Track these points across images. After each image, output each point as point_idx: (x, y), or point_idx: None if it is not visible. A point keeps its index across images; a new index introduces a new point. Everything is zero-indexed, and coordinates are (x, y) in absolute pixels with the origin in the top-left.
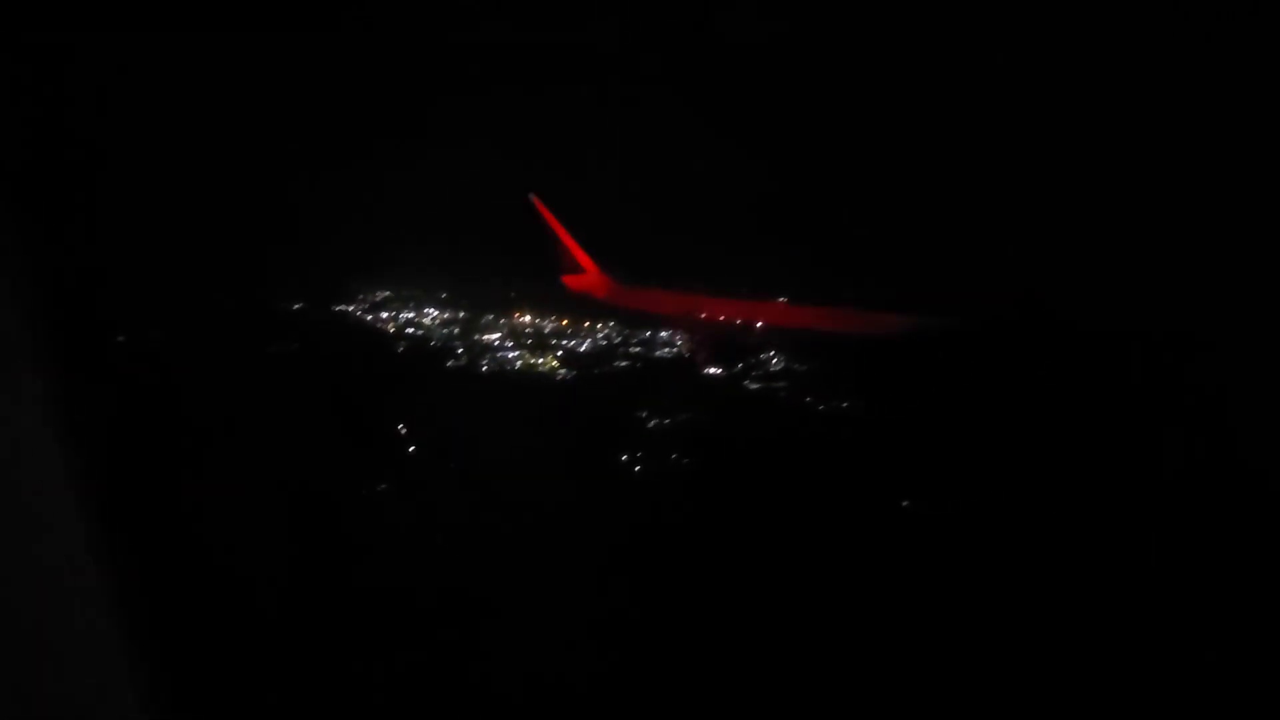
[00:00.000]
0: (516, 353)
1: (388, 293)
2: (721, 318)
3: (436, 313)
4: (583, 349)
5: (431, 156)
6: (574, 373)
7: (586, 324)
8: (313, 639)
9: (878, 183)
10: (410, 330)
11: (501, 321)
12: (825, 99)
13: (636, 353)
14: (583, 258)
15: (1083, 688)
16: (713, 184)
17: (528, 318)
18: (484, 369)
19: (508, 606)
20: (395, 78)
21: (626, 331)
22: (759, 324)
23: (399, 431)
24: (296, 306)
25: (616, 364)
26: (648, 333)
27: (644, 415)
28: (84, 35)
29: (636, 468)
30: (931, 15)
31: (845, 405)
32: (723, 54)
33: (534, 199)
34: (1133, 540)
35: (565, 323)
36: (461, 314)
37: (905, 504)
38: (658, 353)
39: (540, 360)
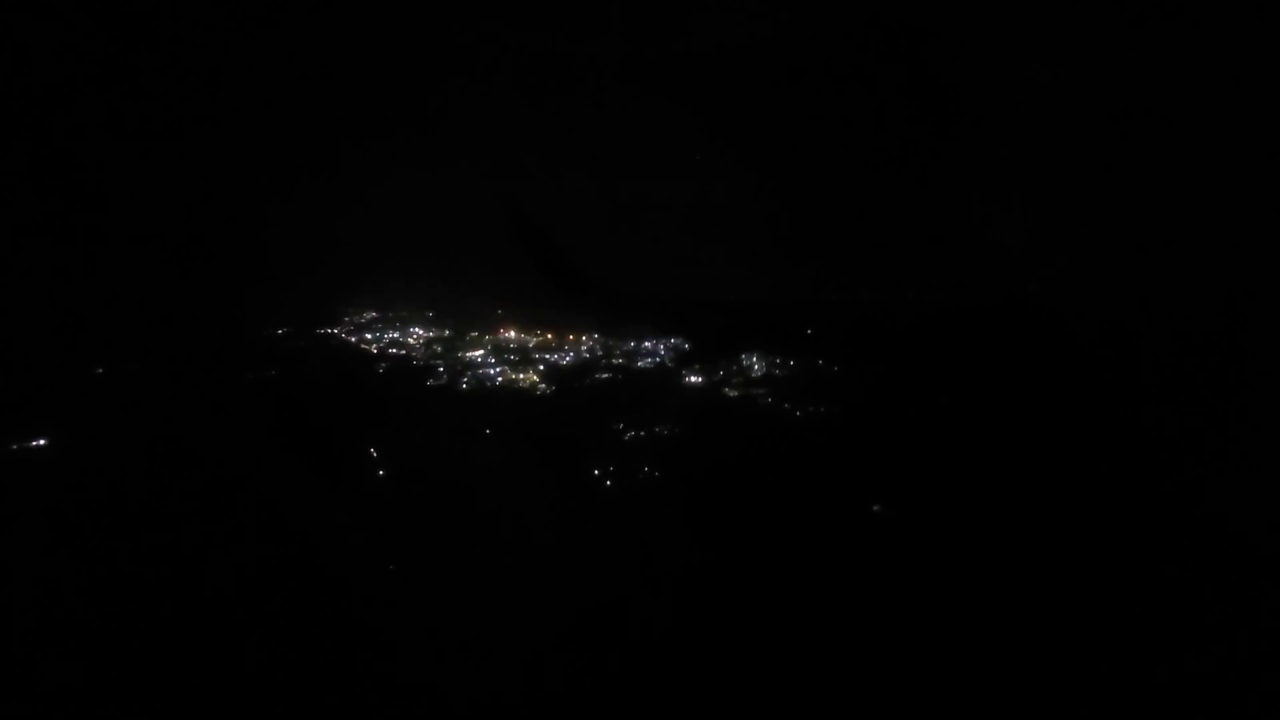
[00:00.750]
0: (498, 369)
1: (373, 313)
2: None
3: (421, 331)
4: (565, 362)
5: (425, 164)
6: (554, 387)
7: (570, 337)
8: (288, 654)
9: (874, 182)
10: (393, 350)
11: (486, 338)
12: (822, 99)
13: (619, 364)
14: None
15: (1047, 687)
16: (708, 185)
17: (512, 333)
18: (464, 387)
19: (481, 617)
20: (394, 78)
21: (610, 343)
22: None
23: (371, 454)
24: (281, 331)
25: (598, 376)
26: (630, 344)
27: (620, 427)
28: (84, 35)
29: (608, 481)
30: (929, 16)
31: (823, 410)
32: (714, 59)
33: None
34: (1105, 544)
35: (550, 336)
36: (446, 332)
37: (876, 508)
38: (639, 364)
39: (521, 375)
